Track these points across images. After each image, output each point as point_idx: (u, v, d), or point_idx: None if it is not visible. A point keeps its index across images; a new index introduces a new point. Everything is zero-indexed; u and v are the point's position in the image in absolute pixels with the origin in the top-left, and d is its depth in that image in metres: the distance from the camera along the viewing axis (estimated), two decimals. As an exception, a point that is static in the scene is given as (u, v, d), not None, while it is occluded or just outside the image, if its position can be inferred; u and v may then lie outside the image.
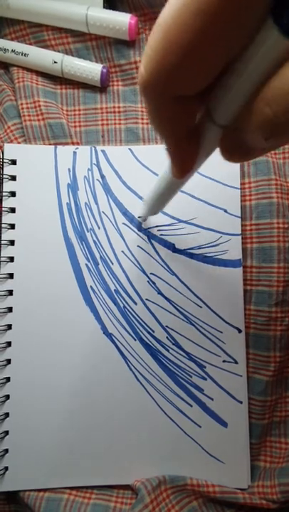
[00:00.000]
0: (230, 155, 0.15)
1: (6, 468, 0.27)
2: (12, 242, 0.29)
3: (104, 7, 0.30)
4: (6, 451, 0.27)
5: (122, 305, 0.29)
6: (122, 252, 0.29)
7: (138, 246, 0.29)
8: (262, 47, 0.11)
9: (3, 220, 0.29)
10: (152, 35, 0.11)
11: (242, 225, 0.29)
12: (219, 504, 0.26)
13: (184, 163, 0.16)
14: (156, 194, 0.23)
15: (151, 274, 0.29)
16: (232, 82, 0.12)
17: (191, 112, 0.14)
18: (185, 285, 0.29)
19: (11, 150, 0.30)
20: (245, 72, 0.12)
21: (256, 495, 0.26)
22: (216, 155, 0.16)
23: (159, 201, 0.24)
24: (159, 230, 0.29)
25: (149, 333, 0.28)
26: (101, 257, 0.29)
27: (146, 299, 0.29)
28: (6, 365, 0.28)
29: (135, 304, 0.29)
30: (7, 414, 0.27)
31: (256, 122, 0.12)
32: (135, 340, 0.28)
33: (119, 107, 0.31)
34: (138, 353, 0.28)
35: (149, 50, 0.12)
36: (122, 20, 0.29)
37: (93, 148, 0.30)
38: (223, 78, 0.13)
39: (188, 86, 0.12)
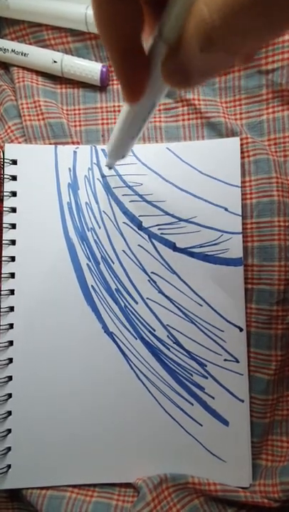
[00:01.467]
0: (168, 76, 0.15)
1: (9, 466, 0.27)
2: (13, 242, 0.29)
3: (103, 6, 0.30)
4: (9, 449, 0.27)
5: (123, 304, 0.29)
6: (123, 251, 0.29)
7: (139, 245, 0.29)
8: None
9: (5, 220, 0.29)
10: None
11: (243, 224, 0.29)
12: (221, 503, 0.26)
13: (133, 83, 0.16)
14: (117, 133, 0.21)
15: (152, 273, 0.29)
16: None
17: (128, 12, 0.14)
18: (186, 284, 0.29)
19: (11, 150, 0.30)
20: None
21: (258, 493, 0.26)
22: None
23: (121, 142, 0.22)
24: (159, 229, 0.29)
25: (150, 332, 0.28)
26: (102, 256, 0.29)
27: (147, 298, 0.29)
28: (8, 364, 0.28)
29: (136, 303, 0.29)
30: (9, 413, 0.28)
31: (192, 25, 0.12)
32: (136, 339, 0.28)
33: (119, 106, 0.31)
34: (139, 352, 0.28)
35: None
36: (121, 18, 0.29)
37: (93, 148, 0.30)
38: None
39: None
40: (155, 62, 0.15)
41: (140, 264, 0.29)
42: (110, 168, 0.29)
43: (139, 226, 0.29)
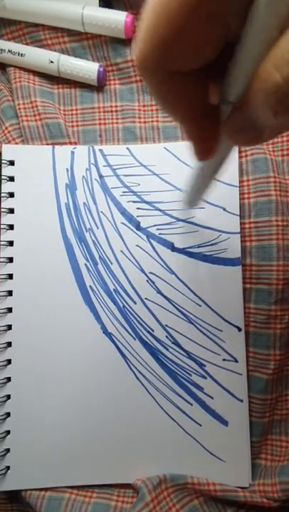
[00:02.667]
0: (236, 137, 0.14)
1: (8, 468, 0.27)
2: (11, 243, 0.29)
3: (100, 6, 0.30)
4: (8, 450, 0.27)
5: (121, 304, 0.29)
6: (121, 251, 0.29)
7: (137, 245, 0.29)
8: (263, 8, 0.10)
9: (2, 221, 0.29)
10: (144, 14, 0.12)
11: (241, 223, 0.29)
12: (220, 503, 0.26)
13: (202, 144, 0.16)
14: (192, 185, 0.24)
15: (150, 273, 0.29)
16: (237, 53, 0.12)
17: (193, 88, 0.14)
18: (184, 284, 0.29)
19: (8, 151, 0.30)
20: (248, 38, 0.11)
21: (257, 493, 0.26)
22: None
23: (196, 192, 0.25)
24: (157, 229, 0.29)
25: (148, 332, 0.28)
26: (100, 256, 0.29)
27: (146, 299, 0.29)
28: (6, 365, 0.28)
29: (134, 303, 0.29)
30: (8, 414, 0.28)
31: (263, 90, 0.11)
32: (135, 339, 0.28)
33: (116, 106, 0.31)
34: (138, 353, 0.28)
35: (142, 28, 0.12)
36: (117, 18, 0.29)
37: (91, 148, 0.30)
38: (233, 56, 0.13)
39: (182, 61, 0.12)
40: (221, 123, 0.15)
41: (138, 264, 0.29)
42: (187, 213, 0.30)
43: (137, 226, 0.29)
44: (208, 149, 0.16)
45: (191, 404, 0.28)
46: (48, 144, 0.30)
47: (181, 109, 0.14)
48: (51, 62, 0.30)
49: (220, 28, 0.11)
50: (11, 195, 0.30)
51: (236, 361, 0.28)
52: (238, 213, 0.29)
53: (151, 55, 0.12)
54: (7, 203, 0.29)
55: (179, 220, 0.29)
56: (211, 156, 0.17)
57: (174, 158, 0.30)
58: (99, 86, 0.31)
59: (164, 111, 0.15)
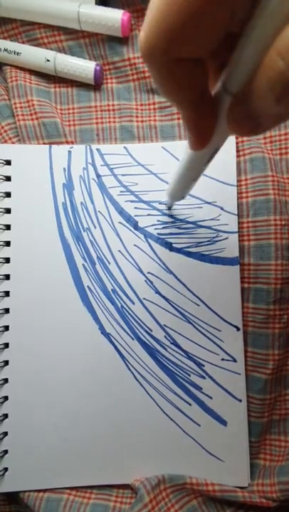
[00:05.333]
0: (239, 126, 0.15)
1: (6, 469, 0.27)
2: (8, 243, 0.29)
3: (96, 3, 0.29)
4: (6, 452, 0.27)
5: (119, 305, 0.29)
6: (119, 251, 0.29)
7: (135, 245, 0.29)
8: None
9: (-1, 221, 0.29)
10: (152, 2, 0.12)
11: (239, 223, 0.29)
12: (219, 503, 0.26)
13: (200, 132, 0.16)
14: (178, 177, 0.23)
15: (148, 273, 0.29)
16: (242, 42, 0.12)
17: (196, 75, 0.14)
18: (182, 284, 0.29)
19: (5, 150, 0.30)
20: (254, 27, 0.12)
21: (256, 493, 0.26)
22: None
23: (182, 184, 0.23)
24: (155, 229, 0.29)
25: (147, 332, 0.28)
26: (98, 256, 0.29)
27: (144, 298, 0.29)
28: (3, 367, 0.28)
29: (133, 303, 0.29)
30: (6, 416, 0.27)
31: (267, 78, 0.11)
32: (133, 339, 0.28)
33: (113, 105, 0.31)
34: (136, 353, 0.28)
35: (150, 15, 0.12)
36: (114, 16, 0.29)
37: (88, 147, 0.30)
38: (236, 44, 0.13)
39: (188, 48, 0.12)
40: (220, 112, 0.15)
41: (136, 264, 0.29)
42: (169, 208, 0.29)
43: (135, 226, 0.29)
44: (203, 138, 0.16)
45: (190, 404, 0.28)
46: (44, 144, 0.30)
47: (182, 96, 0.15)
48: (47, 60, 0.30)
49: (226, 16, 0.12)
50: (8, 195, 0.29)
51: (235, 361, 0.28)
52: (236, 212, 0.29)
53: (158, 42, 0.12)
54: (4, 203, 0.29)
55: (176, 219, 0.29)
56: (205, 146, 0.17)
57: (171, 158, 0.30)
58: (96, 85, 0.31)
59: (164, 96, 0.15)
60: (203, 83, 0.14)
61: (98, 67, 0.30)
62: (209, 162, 0.20)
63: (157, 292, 0.29)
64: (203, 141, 0.16)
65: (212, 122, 0.16)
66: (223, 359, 0.28)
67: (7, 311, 0.28)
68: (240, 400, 0.27)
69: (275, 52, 0.11)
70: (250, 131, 0.15)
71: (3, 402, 0.28)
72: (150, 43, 0.12)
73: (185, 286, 0.29)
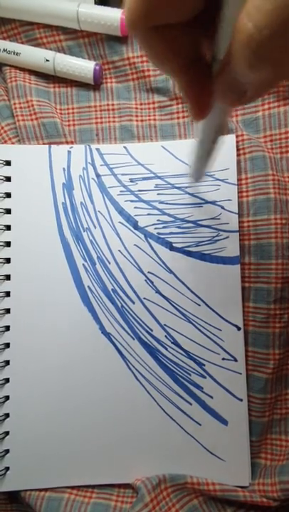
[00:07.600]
0: (223, 95, 0.15)
1: (7, 469, 0.27)
2: (8, 244, 0.29)
3: (95, 3, 0.29)
4: (7, 451, 0.27)
5: (119, 304, 0.29)
6: (119, 251, 0.29)
7: (135, 245, 0.29)
8: None
9: (-1, 222, 0.29)
10: None
11: (239, 222, 0.29)
12: (220, 502, 0.26)
13: (197, 101, 0.16)
14: (195, 158, 0.24)
15: (148, 272, 0.29)
16: (222, 7, 0.12)
17: (180, 42, 0.14)
18: (183, 283, 0.29)
19: (5, 151, 0.30)
20: None
21: (257, 493, 0.26)
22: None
23: (200, 164, 0.25)
24: (155, 229, 0.29)
25: (147, 332, 0.28)
26: (98, 256, 0.29)
27: (144, 298, 0.29)
28: (4, 366, 0.28)
29: (133, 303, 0.29)
30: (7, 415, 0.28)
31: (238, 43, 0.11)
32: (134, 339, 0.28)
33: (113, 105, 0.31)
34: (137, 352, 0.28)
35: None
36: (113, 16, 0.29)
37: (88, 147, 0.30)
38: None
39: (167, 13, 0.13)
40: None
41: (137, 264, 0.29)
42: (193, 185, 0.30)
43: (135, 226, 0.29)
44: (201, 107, 0.16)
45: (191, 404, 0.28)
46: (44, 144, 0.30)
47: (170, 64, 0.15)
48: (47, 60, 0.30)
49: None
50: (8, 195, 0.29)
51: (236, 360, 0.28)
52: (237, 212, 0.29)
53: (138, 11, 0.12)
54: (4, 204, 0.29)
55: (177, 218, 0.29)
56: (204, 116, 0.17)
57: (171, 157, 0.30)
58: (95, 84, 0.31)
59: (153, 64, 0.15)
60: (190, 50, 0.15)
61: (98, 67, 0.30)
62: (217, 139, 0.20)
63: (158, 292, 0.29)
64: (202, 110, 0.16)
65: (207, 91, 0.15)
66: (223, 358, 0.28)
67: (8, 311, 0.28)
68: (241, 400, 0.27)
69: (245, 14, 0.10)
70: (234, 102, 0.15)
71: (4, 402, 0.28)
72: (131, 13, 0.13)
73: (185, 285, 0.29)
